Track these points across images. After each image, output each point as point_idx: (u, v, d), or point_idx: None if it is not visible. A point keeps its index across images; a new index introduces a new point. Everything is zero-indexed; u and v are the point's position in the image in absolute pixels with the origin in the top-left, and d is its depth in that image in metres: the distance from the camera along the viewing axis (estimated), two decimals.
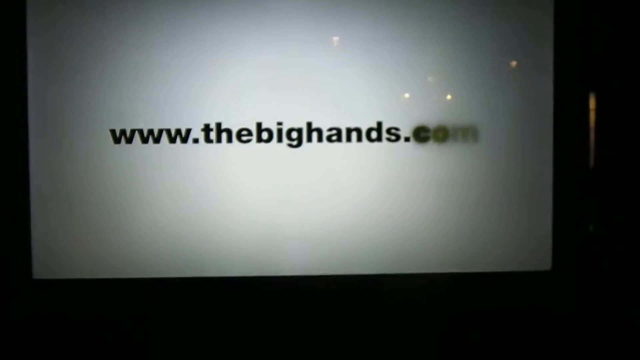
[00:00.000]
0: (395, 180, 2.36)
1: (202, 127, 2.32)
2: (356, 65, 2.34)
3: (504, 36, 2.36)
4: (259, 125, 2.34)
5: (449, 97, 2.36)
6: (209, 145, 2.32)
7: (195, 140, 2.32)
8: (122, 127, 2.29)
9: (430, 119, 2.35)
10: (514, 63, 2.38)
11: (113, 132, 2.30)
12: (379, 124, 2.35)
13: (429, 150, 2.35)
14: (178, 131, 2.32)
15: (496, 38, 2.36)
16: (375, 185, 2.36)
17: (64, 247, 2.31)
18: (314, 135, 2.34)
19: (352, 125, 2.34)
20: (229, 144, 2.33)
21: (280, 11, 2.33)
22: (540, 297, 2.41)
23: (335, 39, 2.35)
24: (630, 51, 2.42)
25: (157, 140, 2.31)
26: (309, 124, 2.34)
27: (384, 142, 2.34)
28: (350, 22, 2.34)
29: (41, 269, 2.32)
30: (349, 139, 2.35)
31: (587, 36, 2.39)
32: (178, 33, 2.31)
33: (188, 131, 2.32)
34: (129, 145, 2.30)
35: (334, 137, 2.35)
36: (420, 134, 2.35)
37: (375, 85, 2.35)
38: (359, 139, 2.35)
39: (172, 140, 2.31)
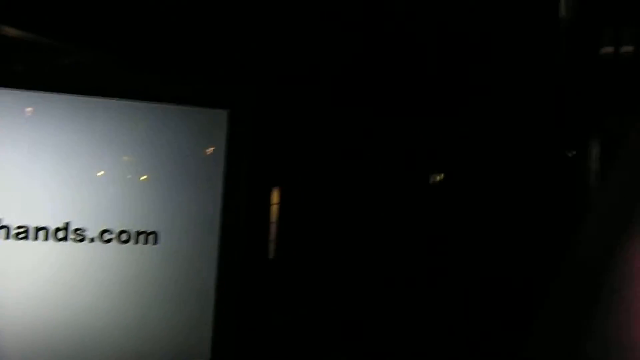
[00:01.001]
0: (78, 279, 2.53)
1: None
2: (48, 166, 2.52)
3: (181, 151, 2.64)
4: None
5: (131, 202, 2.61)
6: None
7: None
8: None
9: (114, 222, 2.60)
10: (188, 172, 2.63)
11: None
12: (67, 224, 2.56)
13: (112, 251, 2.59)
14: None
15: (174, 152, 2.62)
16: (59, 284, 2.51)
17: None
18: (1, 232, 2.50)
19: (41, 224, 2.53)
20: None
21: None
22: None
23: (27, 139, 2.50)
24: (308, 153, 2.80)
25: None
26: None
27: (70, 241, 2.56)
28: (44, 125, 2.53)
29: None
30: (36, 238, 2.53)
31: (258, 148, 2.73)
32: None
33: None
34: None
35: (22, 235, 2.52)
36: (105, 236, 2.60)
37: (65, 187, 2.53)
38: (46, 238, 2.54)
39: None
